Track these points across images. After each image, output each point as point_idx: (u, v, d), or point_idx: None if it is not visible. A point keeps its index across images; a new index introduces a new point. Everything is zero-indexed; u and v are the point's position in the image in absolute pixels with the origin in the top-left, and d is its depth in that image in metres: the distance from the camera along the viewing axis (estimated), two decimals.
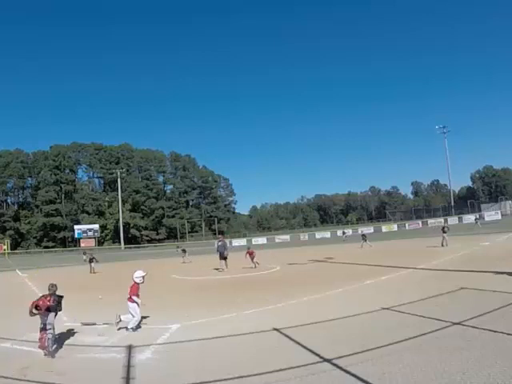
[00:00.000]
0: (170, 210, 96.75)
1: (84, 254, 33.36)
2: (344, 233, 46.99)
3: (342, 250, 26.37)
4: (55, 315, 5.86)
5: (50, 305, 5.78)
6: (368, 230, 57.52)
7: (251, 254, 18.00)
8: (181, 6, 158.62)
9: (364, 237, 27.26)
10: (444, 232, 20.43)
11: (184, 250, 28.83)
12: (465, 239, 24.23)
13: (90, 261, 21.29)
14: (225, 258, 17.28)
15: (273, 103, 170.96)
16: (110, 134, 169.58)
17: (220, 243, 18.23)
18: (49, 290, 6.13)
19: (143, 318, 7.13)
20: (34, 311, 5.72)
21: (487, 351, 4.38)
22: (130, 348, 5.56)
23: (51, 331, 5.64)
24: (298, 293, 9.50)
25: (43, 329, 5.65)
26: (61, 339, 6.33)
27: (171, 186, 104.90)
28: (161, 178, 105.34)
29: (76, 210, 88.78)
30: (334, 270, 15.14)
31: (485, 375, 3.77)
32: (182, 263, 24.62)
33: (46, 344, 5.51)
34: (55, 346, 5.76)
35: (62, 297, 6.14)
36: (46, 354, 5.46)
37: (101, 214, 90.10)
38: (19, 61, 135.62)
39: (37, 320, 5.77)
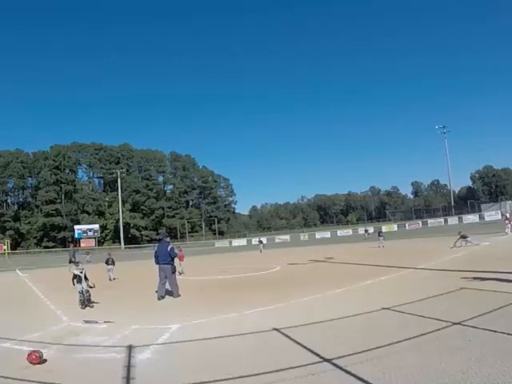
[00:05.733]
0: (170, 210, 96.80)
1: (87, 254, 33.13)
2: (366, 231, 47.14)
3: (342, 250, 26.37)
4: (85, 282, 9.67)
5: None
6: (369, 229, 57.45)
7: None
8: (181, 6, 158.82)
9: (380, 233, 27.26)
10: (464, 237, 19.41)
11: (260, 241, 36.47)
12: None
13: (108, 262, 16.38)
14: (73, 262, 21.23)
15: (273, 103, 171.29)
16: (110, 134, 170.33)
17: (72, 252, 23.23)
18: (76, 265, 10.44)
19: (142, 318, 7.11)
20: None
21: (487, 351, 4.37)
22: (130, 348, 5.56)
23: (81, 296, 9.39)
24: (298, 293, 9.50)
25: (81, 293, 9.41)
26: (61, 339, 6.34)
27: (171, 186, 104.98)
28: (161, 178, 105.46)
29: (76, 210, 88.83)
30: (334, 270, 15.13)
31: (485, 375, 3.76)
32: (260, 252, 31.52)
33: (85, 304, 9.32)
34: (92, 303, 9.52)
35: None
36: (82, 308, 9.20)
37: (101, 214, 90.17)
38: (19, 61, 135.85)
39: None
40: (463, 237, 19.45)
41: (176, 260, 15.65)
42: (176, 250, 11.25)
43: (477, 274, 9.88)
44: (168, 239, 11.33)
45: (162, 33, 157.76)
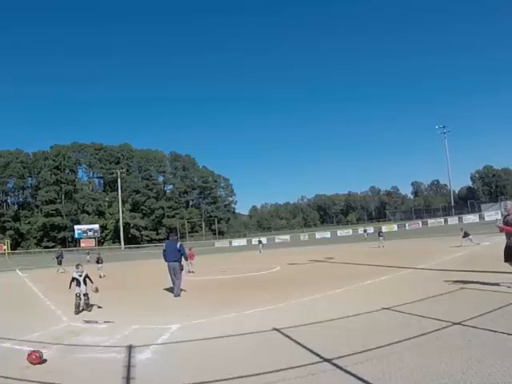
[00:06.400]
0: (170, 210, 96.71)
1: (87, 254, 33.19)
2: (365, 231, 47.24)
3: (342, 250, 26.37)
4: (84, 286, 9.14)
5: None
6: (368, 230, 57.47)
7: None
8: (181, 7, 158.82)
9: (380, 233, 27.28)
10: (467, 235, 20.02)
11: (260, 242, 36.36)
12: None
13: (98, 261, 18.36)
14: (60, 263, 22.73)
15: (273, 103, 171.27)
16: (110, 134, 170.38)
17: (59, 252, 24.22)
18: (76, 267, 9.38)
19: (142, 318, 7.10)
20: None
21: (487, 351, 4.37)
22: (130, 348, 5.56)
23: (77, 299, 8.88)
24: (298, 293, 9.50)
25: (78, 296, 8.92)
26: (61, 339, 6.34)
27: (171, 186, 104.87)
28: (161, 178, 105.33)
29: (76, 210, 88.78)
30: (334, 270, 15.13)
31: (485, 375, 3.76)
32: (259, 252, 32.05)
33: (85, 307, 8.90)
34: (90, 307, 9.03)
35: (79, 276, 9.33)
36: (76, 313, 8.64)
37: (101, 214, 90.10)
38: (19, 61, 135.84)
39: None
40: (465, 234, 19.59)
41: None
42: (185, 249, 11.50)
43: (477, 274, 9.90)
44: (176, 237, 11.56)
45: (162, 33, 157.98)
